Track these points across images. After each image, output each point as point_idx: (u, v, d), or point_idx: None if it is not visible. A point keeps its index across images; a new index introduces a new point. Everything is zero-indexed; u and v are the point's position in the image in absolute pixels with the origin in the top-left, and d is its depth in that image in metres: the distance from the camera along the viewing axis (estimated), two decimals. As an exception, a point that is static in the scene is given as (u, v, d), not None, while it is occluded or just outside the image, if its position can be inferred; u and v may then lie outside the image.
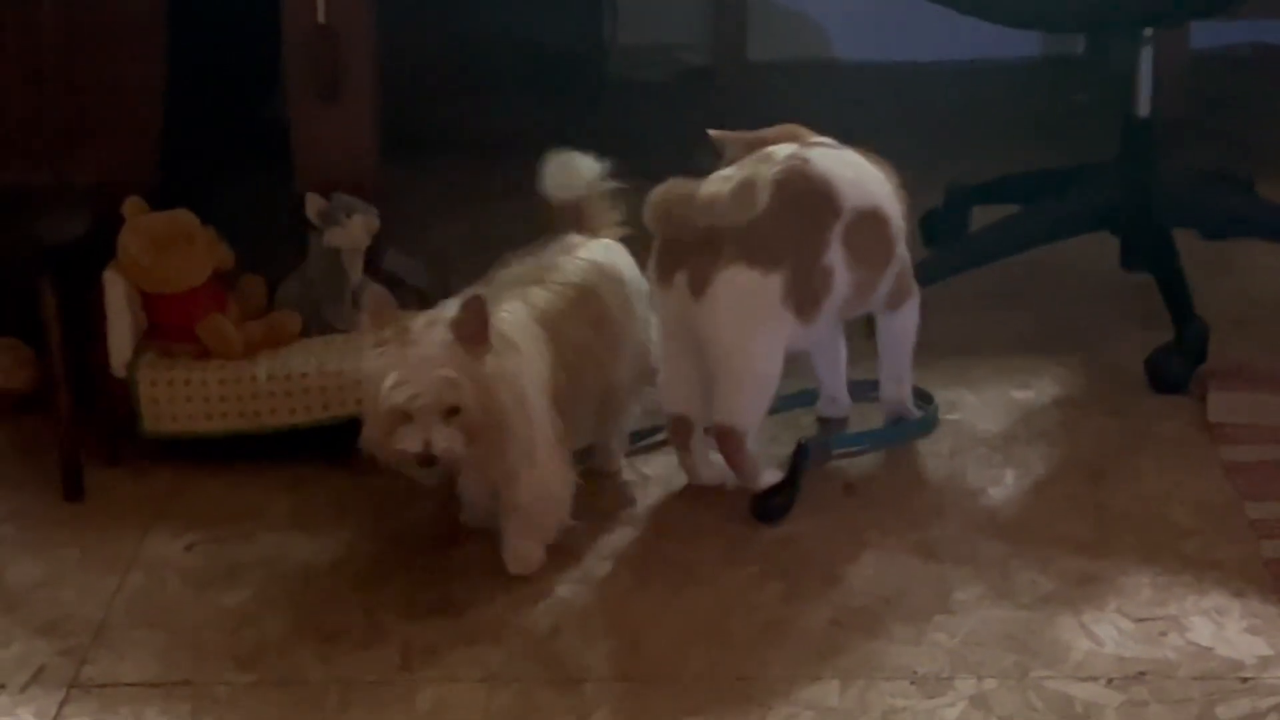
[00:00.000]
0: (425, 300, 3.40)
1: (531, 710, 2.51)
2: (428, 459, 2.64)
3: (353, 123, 3.38)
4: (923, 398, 3.26)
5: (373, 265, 3.38)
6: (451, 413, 2.63)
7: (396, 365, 2.63)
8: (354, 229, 3.28)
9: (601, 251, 3.01)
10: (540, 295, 2.86)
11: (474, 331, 2.65)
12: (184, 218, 3.15)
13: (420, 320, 2.69)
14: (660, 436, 3.17)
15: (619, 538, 2.93)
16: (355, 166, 3.37)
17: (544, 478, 2.77)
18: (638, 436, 3.18)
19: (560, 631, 2.69)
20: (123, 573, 2.84)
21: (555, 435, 2.78)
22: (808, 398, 3.29)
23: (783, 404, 3.19)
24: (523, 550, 2.80)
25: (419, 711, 2.52)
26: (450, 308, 2.71)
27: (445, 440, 2.63)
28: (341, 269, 3.29)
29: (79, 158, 3.36)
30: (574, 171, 3.05)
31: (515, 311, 2.80)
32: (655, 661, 2.61)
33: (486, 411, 2.65)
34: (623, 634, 2.68)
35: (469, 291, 2.72)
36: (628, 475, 3.12)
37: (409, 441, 2.64)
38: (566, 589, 2.79)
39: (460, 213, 4.32)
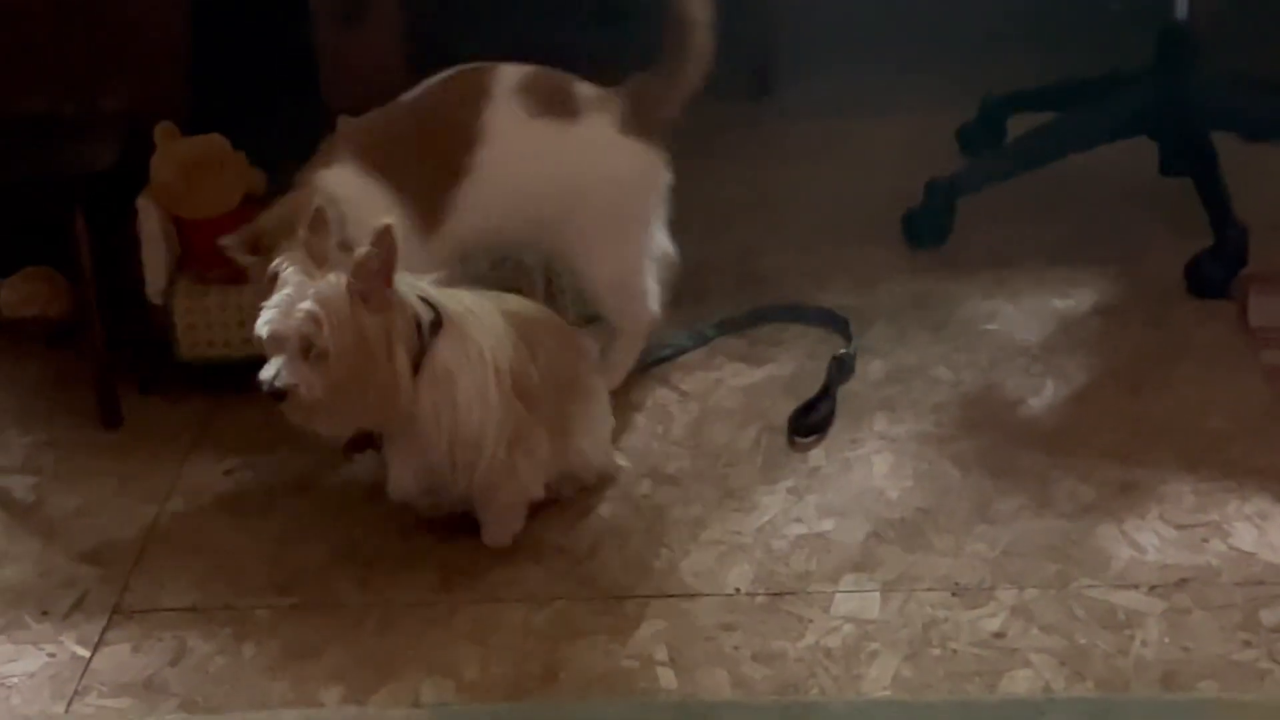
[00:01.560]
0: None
1: (571, 629, 2.51)
2: (276, 392, 2.50)
3: (380, 45, 3.37)
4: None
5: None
6: (313, 352, 2.48)
7: (272, 294, 2.52)
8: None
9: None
10: (514, 300, 2.81)
11: (372, 283, 2.48)
12: (215, 143, 3.14)
13: (335, 256, 2.53)
14: (669, 352, 3.21)
15: (656, 456, 2.92)
16: (383, 88, 3.34)
17: (497, 468, 2.64)
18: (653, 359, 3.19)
19: (599, 550, 2.69)
20: (161, 500, 2.85)
21: (516, 427, 2.64)
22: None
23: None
24: (494, 531, 2.71)
25: (458, 632, 2.52)
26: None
27: (295, 376, 2.49)
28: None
29: (109, 86, 3.35)
30: None
31: (481, 304, 2.68)
32: (695, 577, 2.60)
33: (351, 360, 2.49)
34: (661, 552, 2.67)
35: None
36: (665, 393, 3.11)
37: (264, 369, 2.52)
38: (605, 508, 2.79)
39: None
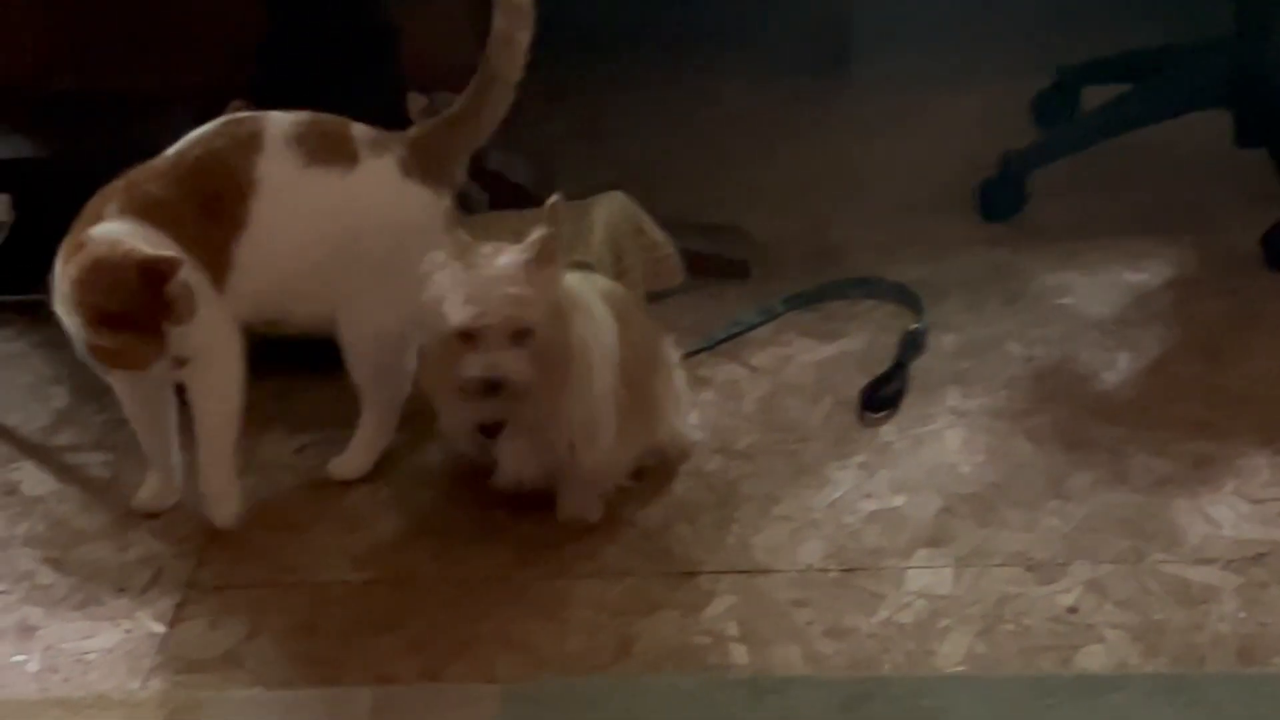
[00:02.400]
0: (529, 197, 3.41)
1: (644, 604, 2.51)
2: (493, 385, 2.50)
3: (453, 20, 3.37)
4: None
5: (476, 163, 3.37)
6: (522, 336, 2.50)
7: (461, 285, 2.50)
8: (456, 128, 3.26)
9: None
10: (601, 279, 2.83)
11: (549, 249, 2.52)
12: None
13: (486, 246, 2.56)
14: (738, 329, 3.19)
15: (728, 431, 2.92)
16: (456, 64, 3.35)
17: (607, 444, 2.66)
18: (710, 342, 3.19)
19: (671, 526, 2.69)
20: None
21: (620, 406, 2.66)
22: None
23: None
24: (576, 508, 2.71)
25: (533, 606, 2.53)
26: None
27: (512, 364, 2.49)
28: (445, 167, 3.28)
29: (184, 63, 3.37)
30: None
31: (581, 284, 2.69)
32: (767, 553, 2.60)
33: (557, 335, 2.53)
34: (733, 527, 2.67)
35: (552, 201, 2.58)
36: (736, 369, 3.11)
37: (474, 365, 2.49)
38: (678, 483, 2.79)
39: (564, 108, 4.30)
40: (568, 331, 2.55)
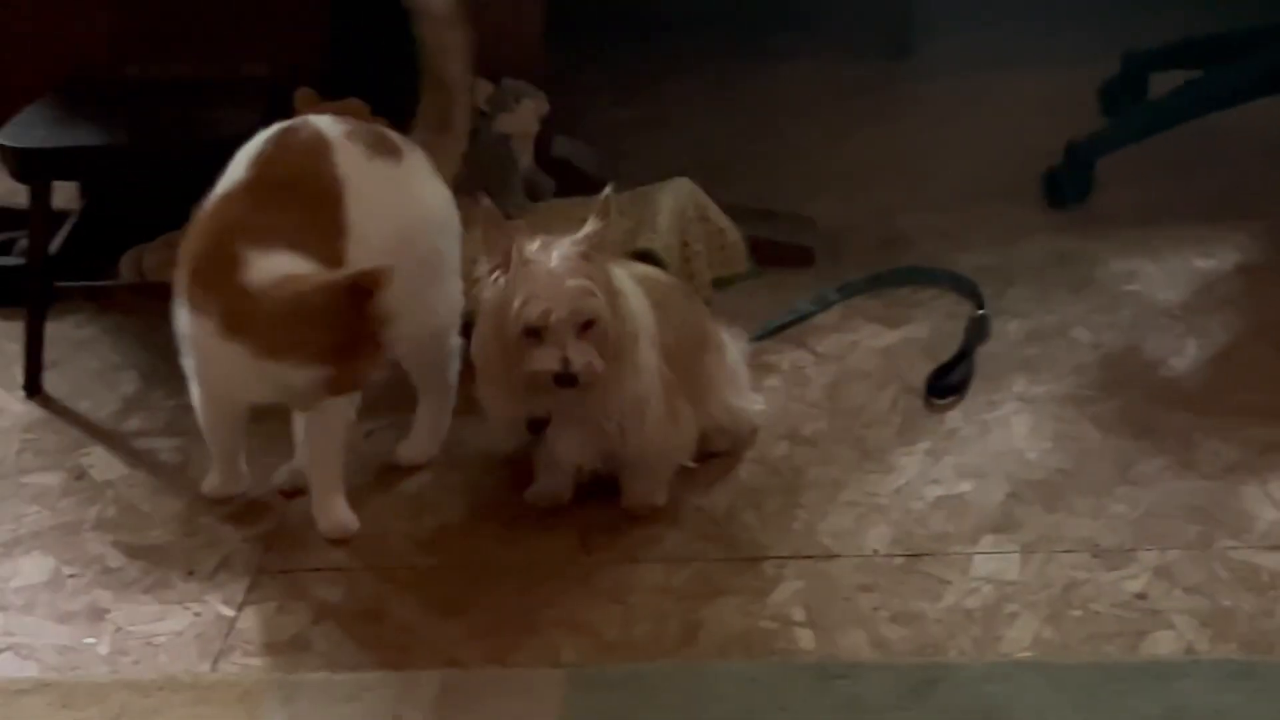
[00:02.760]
0: (596, 184, 3.42)
1: (709, 589, 2.51)
2: (568, 377, 2.51)
3: (519, 7, 3.37)
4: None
5: (542, 150, 3.38)
6: (586, 327, 2.52)
7: (523, 283, 2.52)
8: (523, 114, 3.28)
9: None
10: (638, 265, 2.82)
11: (601, 242, 2.55)
12: (354, 107, 3.16)
13: (534, 241, 2.56)
14: (792, 318, 3.19)
15: (794, 417, 2.92)
16: (523, 51, 3.36)
17: (660, 425, 2.66)
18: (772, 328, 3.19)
19: (737, 511, 2.69)
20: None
21: (666, 385, 2.67)
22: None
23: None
24: (640, 494, 2.71)
25: (598, 592, 2.53)
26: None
27: (583, 355, 2.51)
28: (511, 155, 3.30)
29: (252, 52, 3.38)
30: None
31: (617, 271, 2.67)
32: (833, 538, 2.60)
33: (621, 322, 2.55)
34: (799, 513, 2.67)
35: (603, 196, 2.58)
36: (801, 355, 3.10)
37: (545, 360, 2.51)
38: (743, 469, 2.79)
39: (629, 96, 4.31)
40: (622, 320, 2.56)
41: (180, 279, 2.58)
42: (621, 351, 2.56)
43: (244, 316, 2.48)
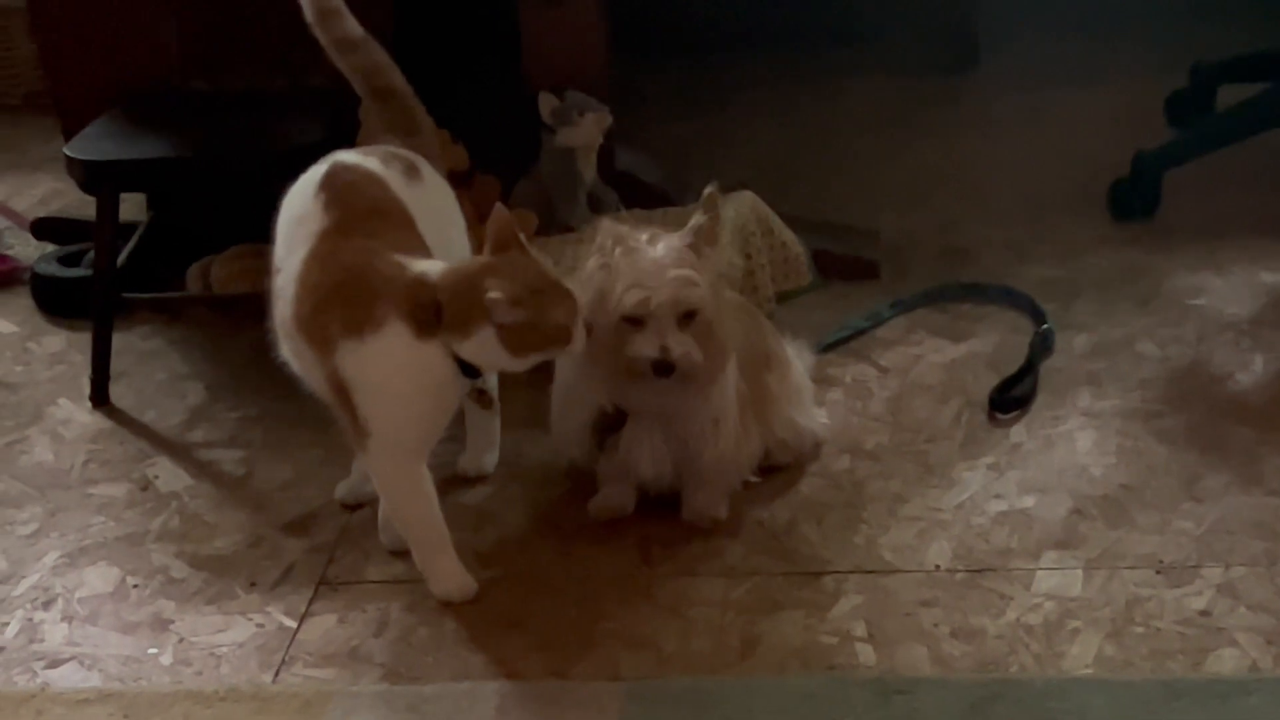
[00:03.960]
0: (659, 196, 3.42)
1: (769, 603, 2.51)
2: (666, 365, 2.52)
3: (583, 21, 3.38)
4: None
5: (606, 164, 3.38)
6: (686, 318, 2.53)
7: (626, 272, 2.54)
8: (587, 127, 3.28)
9: None
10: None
11: (708, 236, 2.57)
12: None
13: (644, 233, 2.59)
14: (845, 333, 3.18)
15: (856, 431, 2.91)
16: (587, 65, 3.37)
17: (732, 440, 2.67)
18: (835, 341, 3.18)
19: (797, 525, 2.68)
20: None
21: (740, 400, 2.68)
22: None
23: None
24: (701, 507, 2.71)
25: (659, 604, 2.53)
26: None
27: (682, 344, 2.52)
28: (575, 168, 3.30)
29: (317, 63, 3.40)
30: None
31: None
32: (894, 553, 2.59)
33: (717, 320, 2.56)
34: (860, 527, 2.66)
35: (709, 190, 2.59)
36: (864, 369, 3.10)
37: (644, 347, 2.52)
38: (804, 483, 2.79)
39: (692, 109, 4.31)
40: (724, 317, 2.58)
41: (330, 326, 2.47)
42: (722, 351, 2.58)
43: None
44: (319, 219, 2.52)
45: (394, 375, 2.45)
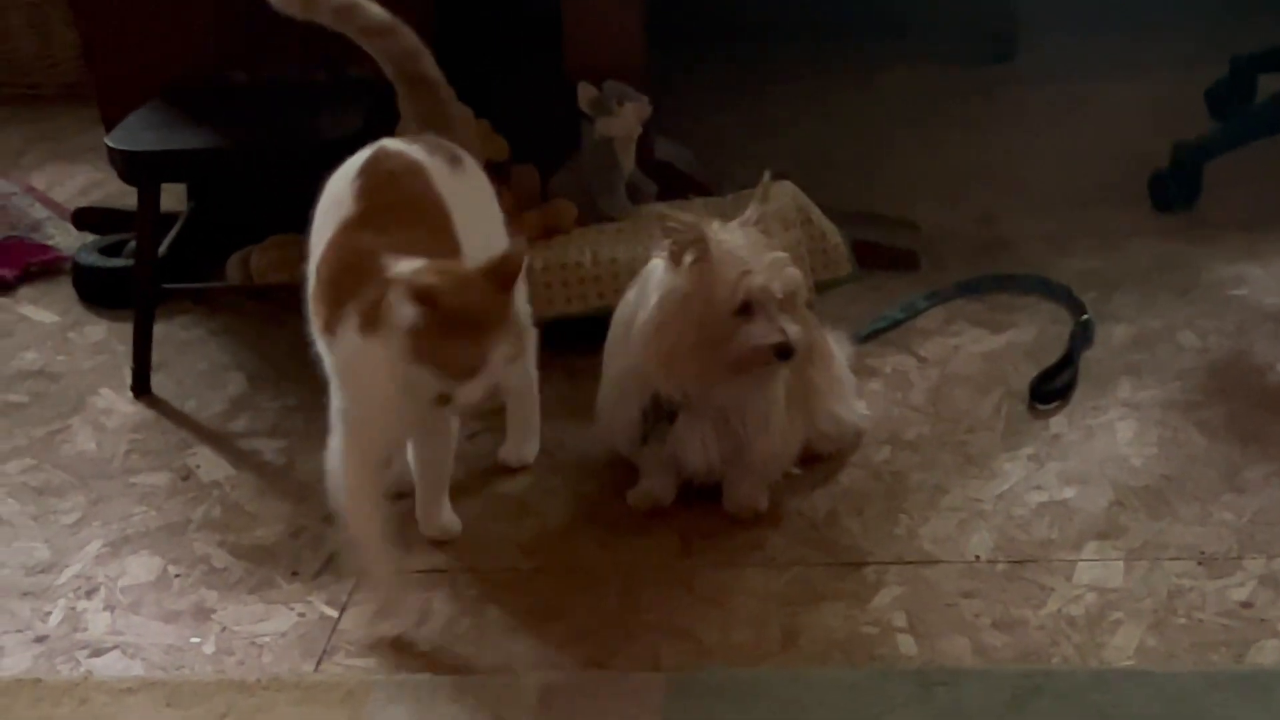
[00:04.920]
0: (697, 186, 3.42)
1: (810, 594, 2.51)
2: (788, 349, 2.51)
3: (623, 11, 3.38)
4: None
5: (645, 154, 3.38)
6: (791, 300, 2.53)
7: (729, 262, 2.51)
8: (626, 117, 3.28)
9: None
10: None
11: (765, 223, 2.58)
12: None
13: (713, 222, 2.58)
14: (882, 325, 3.18)
15: (895, 422, 2.91)
16: (626, 55, 3.36)
17: (780, 431, 2.67)
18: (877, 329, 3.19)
19: (838, 516, 2.68)
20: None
21: (785, 390, 2.68)
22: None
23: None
24: (742, 498, 2.71)
25: (699, 595, 2.53)
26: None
27: (794, 325, 2.52)
28: (614, 158, 3.30)
29: (357, 54, 3.40)
30: None
31: None
32: (935, 544, 2.59)
33: (805, 299, 2.58)
34: (900, 518, 2.66)
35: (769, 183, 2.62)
36: (904, 359, 3.09)
37: (767, 334, 2.50)
38: (845, 474, 2.79)
39: (731, 100, 4.31)
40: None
41: (318, 320, 2.50)
42: (811, 330, 2.60)
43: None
44: (349, 206, 2.53)
45: (347, 374, 2.47)
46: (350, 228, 2.50)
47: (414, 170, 2.58)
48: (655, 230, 2.62)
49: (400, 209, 2.53)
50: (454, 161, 2.64)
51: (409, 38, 2.74)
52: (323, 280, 2.48)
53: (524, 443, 2.89)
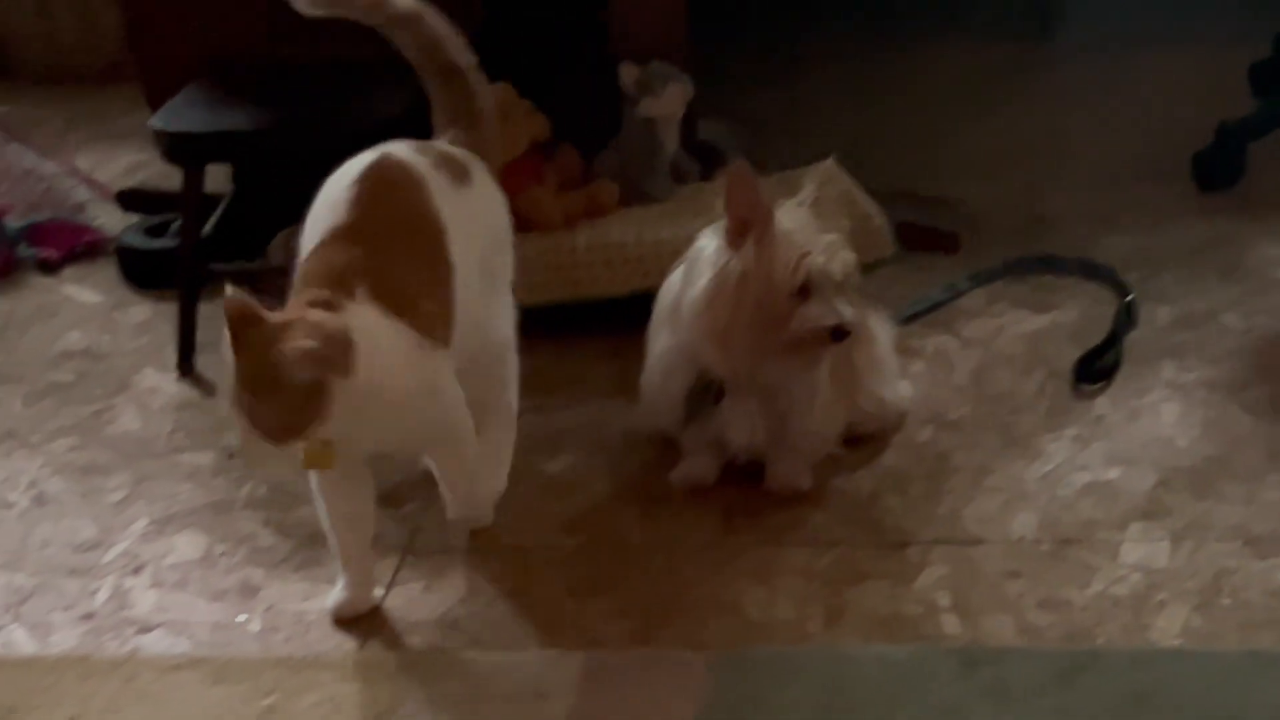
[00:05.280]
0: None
1: (854, 573, 2.51)
2: (843, 330, 2.53)
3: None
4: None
5: (688, 134, 3.38)
6: (844, 282, 2.55)
7: (786, 244, 2.53)
8: (668, 98, 3.28)
9: None
10: None
11: (820, 206, 2.60)
12: (501, 91, 3.18)
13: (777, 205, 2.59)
14: (922, 307, 3.18)
15: (939, 402, 2.91)
16: (669, 35, 3.37)
17: (823, 411, 2.69)
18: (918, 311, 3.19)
19: (881, 495, 2.69)
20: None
21: (830, 370, 2.69)
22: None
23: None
24: (785, 476, 2.71)
25: (742, 573, 2.54)
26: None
27: (849, 306, 2.54)
28: (657, 138, 3.31)
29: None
30: None
31: None
32: (978, 524, 2.59)
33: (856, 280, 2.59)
34: (944, 498, 2.66)
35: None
36: (947, 339, 3.09)
37: (824, 315, 2.53)
38: (889, 453, 2.79)
39: (773, 80, 4.30)
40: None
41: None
42: (863, 312, 2.61)
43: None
44: (342, 213, 2.47)
45: None
46: (339, 237, 2.45)
47: (413, 183, 2.52)
48: (715, 205, 2.62)
49: (392, 224, 2.47)
50: (460, 176, 2.58)
51: (437, 24, 2.69)
52: (296, 287, 2.42)
53: (489, 477, 2.69)
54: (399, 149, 2.57)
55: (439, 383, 2.44)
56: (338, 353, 2.27)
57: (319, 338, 2.24)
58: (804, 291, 2.52)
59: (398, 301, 2.38)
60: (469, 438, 2.53)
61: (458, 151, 2.63)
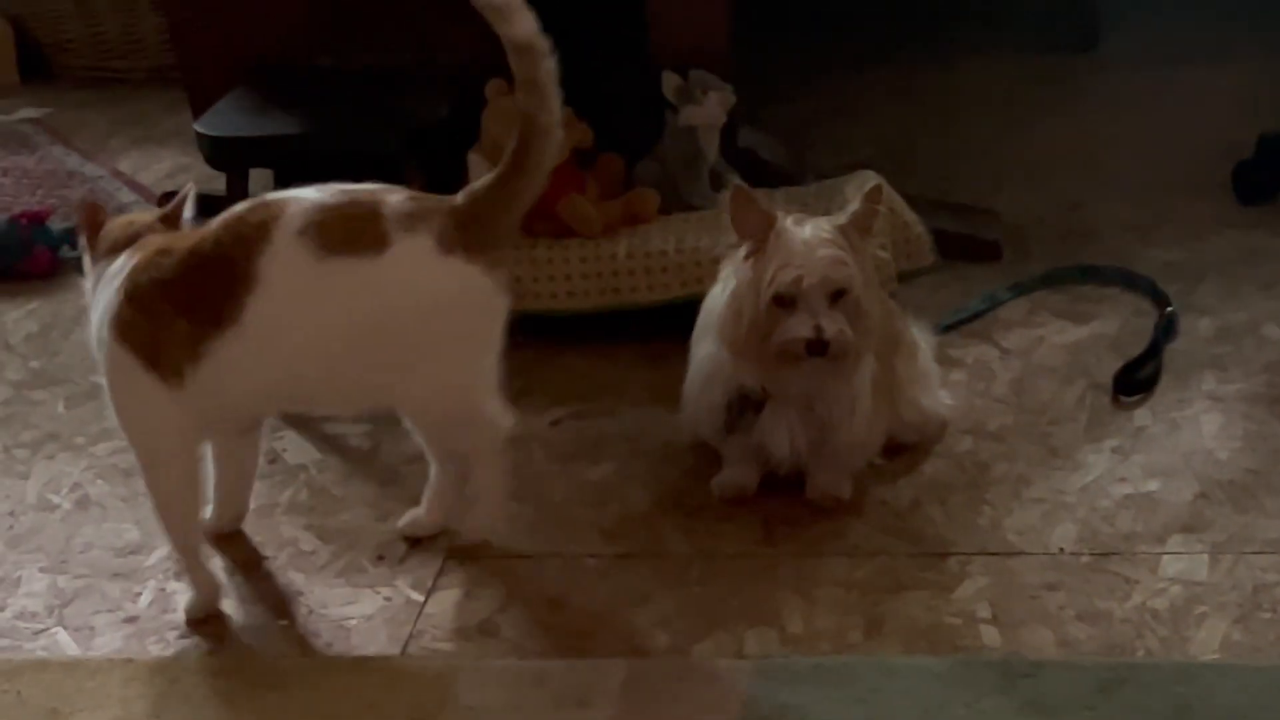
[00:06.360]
0: (780, 175, 3.43)
1: (893, 583, 2.51)
2: (820, 345, 2.53)
3: (707, 3, 3.38)
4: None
5: (728, 142, 3.39)
6: (836, 297, 2.55)
7: (776, 253, 2.55)
8: (710, 106, 3.29)
9: None
10: None
11: (866, 222, 2.59)
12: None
13: (789, 216, 2.60)
14: (962, 317, 3.17)
15: (979, 412, 2.91)
16: (710, 44, 3.37)
17: (865, 421, 2.68)
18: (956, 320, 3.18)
19: (921, 506, 2.69)
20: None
21: (872, 380, 2.69)
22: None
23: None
24: (825, 486, 2.71)
25: (782, 583, 2.54)
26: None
27: (834, 323, 2.54)
28: (698, 147, 3.31)
29: (442, 40, 3.42)
30: None
31: None
32: (1018, 535, 2.59)
33: (870, 302, 2.57)
34: (984, 509, 2.66)
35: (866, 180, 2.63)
36: (986, 350, 3.09)
37: (798, 328, 2.54)
38: (929, 464, 2.79)
39: (814, 88, 4.30)
40: (876, 302, 2.60)
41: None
42: (870, 332, 2.59)
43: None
44: (193, 238, 2.54)
45: None
46: (170, 254, 2.52)
47: (247, 239, 2.46)
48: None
49: (210, 265, 2.48)
50: (349, 246, 2.45)
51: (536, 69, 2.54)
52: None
53: (486, 512, 2.68)
54: (307, 197, 2.49)
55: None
56: None
57: None
58: (789, 304, 2.53)
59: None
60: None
61: (397, 213, 2.47)
